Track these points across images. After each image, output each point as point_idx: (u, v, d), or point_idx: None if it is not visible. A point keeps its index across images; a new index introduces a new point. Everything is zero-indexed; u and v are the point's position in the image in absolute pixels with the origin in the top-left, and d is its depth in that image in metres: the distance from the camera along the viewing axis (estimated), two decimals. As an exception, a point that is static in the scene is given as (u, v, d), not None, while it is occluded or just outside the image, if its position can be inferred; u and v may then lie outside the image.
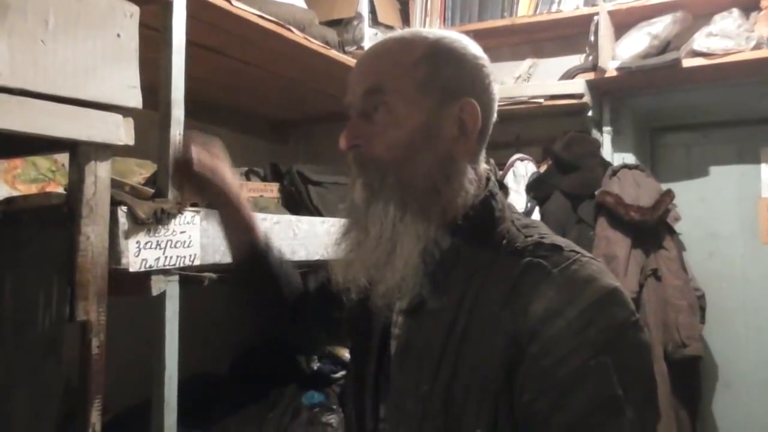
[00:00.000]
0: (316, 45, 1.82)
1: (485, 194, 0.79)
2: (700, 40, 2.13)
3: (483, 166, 0.82)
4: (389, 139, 0.76)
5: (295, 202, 1.86)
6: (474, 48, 0.80)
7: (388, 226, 0.74)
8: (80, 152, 0.89)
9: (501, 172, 2.35)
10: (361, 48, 2.14)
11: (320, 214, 1.80)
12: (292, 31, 1.71)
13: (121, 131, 0.91)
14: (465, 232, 0.76)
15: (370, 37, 2.18)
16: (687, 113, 2.50)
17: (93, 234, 0.91)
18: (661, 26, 2.22)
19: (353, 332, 0.91)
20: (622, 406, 0.65)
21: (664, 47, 2.24)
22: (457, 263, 0.76)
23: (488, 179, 0.81)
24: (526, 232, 0.77)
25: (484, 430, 0.69)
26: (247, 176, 2.01)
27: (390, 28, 2.24)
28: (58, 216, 0.92)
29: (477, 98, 0.78)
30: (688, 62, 2.15)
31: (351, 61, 1.98)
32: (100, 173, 0.91)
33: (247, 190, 1.77)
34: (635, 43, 2.24)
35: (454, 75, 0.77)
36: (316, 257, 1.58)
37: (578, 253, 0.74)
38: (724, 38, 2.11)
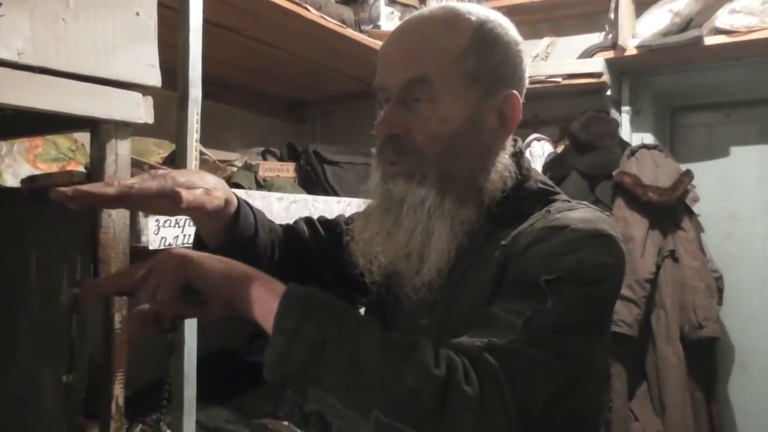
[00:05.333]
0: (332, 24, 1.81)
1: (516, 155, 0.80)
2: (723, 17, 2.08)
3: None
4: (432, 131, 0.74)
5: (312, 182, 1.87)
6: (515, 32, 0.79)
7: (422, 218, 0.73)
8: (101, 130, 0.90)
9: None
10: (378, 27, 2.12)
11: (336, 194, 1.81)
12: (308, 9, 1.70)
13: (140, 109, 0.92)
14: (496, 200, 0.77)
15: (387, 16, 2.16)
16: (709, 92, 2.45)
17: (115, 211, 0.92)
18: (683, 3, 2.17)
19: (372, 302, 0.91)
20: (545, 295, 0.64)
21: (686, 25, 2.20)
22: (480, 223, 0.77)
23: (515, 141, 0.83)
24: (548, 197, 0.79)
25: None
26: (264, 156, 2.02)
27: (407, 6, 2.22)
28: (80, 194, 0.94)
29: (517, 88, 0.77)
30: (710, 40, 2.10)
31: (367, 40, 1.97)
32: (120, 151, 0.92)
33: (264, 170, 1.78)
34: (656, 21, 2.20)
35: (499, 65, 0.76)
36: (333, 236, 1.58)
37: (586, 204, 0.76)
38: (748, 15, 2.06)
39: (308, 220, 0.98)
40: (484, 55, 0.75)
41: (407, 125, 0.75)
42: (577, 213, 0.73)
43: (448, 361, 0.61)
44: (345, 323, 0.63)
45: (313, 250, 0.94)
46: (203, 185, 0.76)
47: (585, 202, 0.78)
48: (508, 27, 0.78)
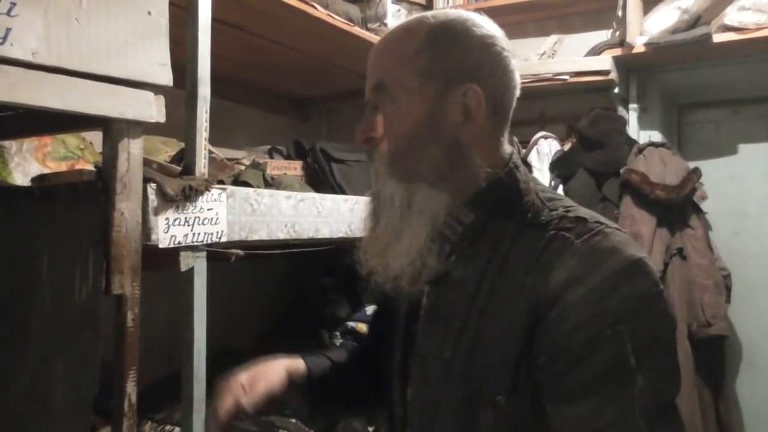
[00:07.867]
0: (339, 21, 1.81)
1: (509, 167, 0.80)
2: (732, 15, 2.07)
3: (505, 144, 0.82)
4: (394, 132, 0.78)
5: (319, 180, 1.87)
6: (482, 28, 0.79)
7: (395, 213, 0.78)
8: (113, 129, 0.91)
9: (524, 150, 2.33)
10: (384, 24, 2.13)
11: (343, 192, 1.81)
12: (315, 7, 1.71)
13: (152, 108, 0.93)
14: (489, 204, 0.78)
15: (393, 14, 2.16)
16: (717, 89, 2.44)
17: (127, 210, 0.93)
18: (692, 0, 2.16)
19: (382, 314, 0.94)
20: (632, 374, 0.66)
21: (694, 22, 2.19)
22: (482, 234, 0.77)
23: (510, 154, 0.82)
24: (551, 205, 0.78)
25: (504, 395, 0.70)
26: (271, 154, 2.02)
27: (413, 4, 2.22)
28: (92, 192, 0.94)
29: (483, 82, 0.77)
30: (718, 37, 2.09)
31: (374, 38, 1.97)
32: (132, 150, 0.93)
33: (272, 168, 1.78)
34: (664, 18, 2.19)
35: (456, 60, 0.77)
36: (340, 234, 1.59)
37: (603, 224, 0.74)
38: (757, 12, 2.05)
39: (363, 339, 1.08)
40: (439, 52, 0.77)
41: (378, 129, 0.80)
42: (601, 241, 0.71)
43: None
44: None
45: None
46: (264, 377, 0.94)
47: (599, 217, 0.76)
48: (480, 26, 0.79)
